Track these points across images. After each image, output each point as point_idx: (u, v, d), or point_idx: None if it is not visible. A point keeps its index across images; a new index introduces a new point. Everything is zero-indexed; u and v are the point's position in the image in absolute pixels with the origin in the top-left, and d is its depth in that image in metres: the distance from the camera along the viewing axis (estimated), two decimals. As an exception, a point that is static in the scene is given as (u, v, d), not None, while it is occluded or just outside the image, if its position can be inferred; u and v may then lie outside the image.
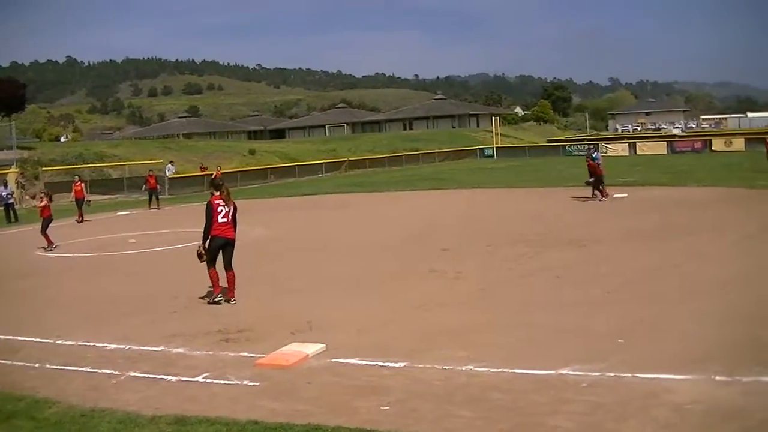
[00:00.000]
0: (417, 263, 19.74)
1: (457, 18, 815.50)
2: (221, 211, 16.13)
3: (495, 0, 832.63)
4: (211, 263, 16.12)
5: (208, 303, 15.96)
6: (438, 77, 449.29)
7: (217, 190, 16.41)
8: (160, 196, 45.41)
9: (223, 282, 16.19)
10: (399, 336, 12.31)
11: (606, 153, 67.18)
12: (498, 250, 21.18)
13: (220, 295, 15.98)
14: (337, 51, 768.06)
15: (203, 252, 16.22)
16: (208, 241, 16.19)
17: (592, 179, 33.28)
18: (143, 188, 46.40)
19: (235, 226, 16.50)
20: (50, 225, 28.78)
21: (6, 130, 68.71)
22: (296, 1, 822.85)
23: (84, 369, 11.52)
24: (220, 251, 16.18)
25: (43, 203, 29.27)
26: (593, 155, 34.51)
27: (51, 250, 27.57)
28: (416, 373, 10.30)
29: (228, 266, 16.24)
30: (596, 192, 32.85)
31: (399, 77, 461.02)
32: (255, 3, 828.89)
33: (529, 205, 32.18)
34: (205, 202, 16.60)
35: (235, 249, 16.23)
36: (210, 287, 16.35)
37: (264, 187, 59.76)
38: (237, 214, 16.64)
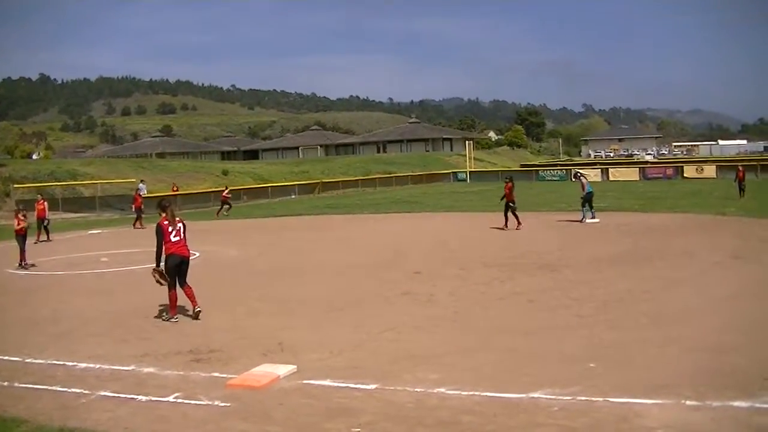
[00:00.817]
0: (390, 286, 19.73)
1: (432, 43, 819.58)
2: (171, 230, 16.20)
3: (470, 26, 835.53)
4: (173, 284, 16.18)
5: (163, 320, 16.10)
6: (412, 101, 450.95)
7: (163, 212, 16.46)
8: (143, 216, 45.04)
9: (182, 301, 16.27)
10: (371, 358, 12.30)
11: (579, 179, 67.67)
12: (470, 274, 21.21)
13: (175, 318, 16.10)
14: (312, 73, 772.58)
15: (159, 273, 16.27)
16: (163, 262, 16.31)
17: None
18: (132, 208, 46.09)
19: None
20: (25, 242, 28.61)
21: (-23, 146, 68.40)
22: (271, 24, 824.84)
23: (53, 388, 11.43)
24: (177, 271, 16.26)
25: (19, 223, 29.04)
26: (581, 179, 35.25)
27: (26, 267, 27.49)
28: (387, 396, 10.28)
29: (183, 283, 16.38)
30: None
31: (373, 100, 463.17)
32: (229, 24, 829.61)
33: (501, 230, 32.24)
34: (155, 224, 16.63)
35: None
36: (165, 305, 16.41)
37: (237, 208, 59.65)
38: (187, 233, 16.75)
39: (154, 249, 16.36)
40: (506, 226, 32.27)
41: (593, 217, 33.87)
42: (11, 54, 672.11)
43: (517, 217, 32.24)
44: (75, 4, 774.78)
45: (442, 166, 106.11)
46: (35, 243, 37.68)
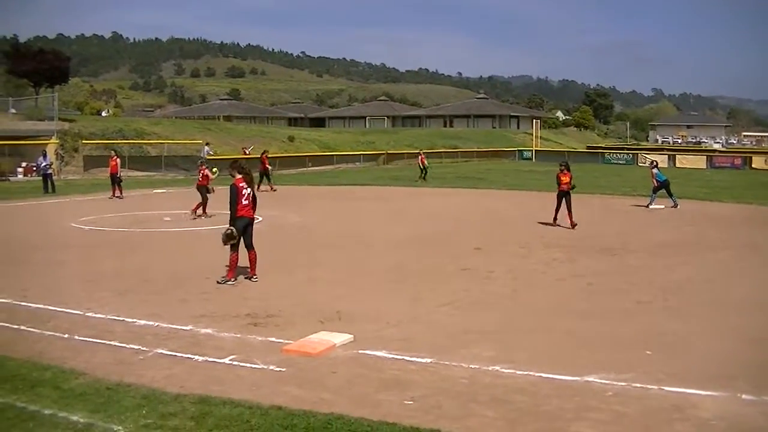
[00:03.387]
0: (449, 260, 19.71)
1: (503, 19, 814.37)
2: (245, 193, 16.32)
3: (542, 4, 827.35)
4: (235, 246, 16.27)
5: (218, 283, 16.22)
6: (481, 77, 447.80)
7: (240, 173, 16.58)
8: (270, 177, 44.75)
9: (243, 261, 16.49)
10: (427, 332, 12.30)
11: (644, 164, 66.97)
12: (531, 253, 21.12)
13: (232, 280, 16.27)
14: (382, 44, 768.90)
15: (233, 233, 16.37)
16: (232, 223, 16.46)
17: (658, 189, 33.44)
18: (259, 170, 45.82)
19: (255, 206, 16.95)
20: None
21: (48, 101, 69.22)
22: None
23: (112, 343, 11.61)
24: (243, 232, 16.48)
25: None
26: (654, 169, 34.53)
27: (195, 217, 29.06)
28: (442, 370, 10.29)
29: (250, 246, 16.66)
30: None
31: (442, 74, 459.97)
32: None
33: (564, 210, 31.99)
34: (229, 185, 16.76)
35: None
36: (225, 268, 16.57)
37: (301, 175, 59.83)
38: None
39: (224, 210, 16.52)
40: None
41: (675, 204, 33.34)
42: (85, 11, 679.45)
43: (562, 212, 27.42)
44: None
45: (508, 143, 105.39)
46: (109, 198, 38.15)
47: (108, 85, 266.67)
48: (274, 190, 42.09)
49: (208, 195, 29.59)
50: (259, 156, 45.26)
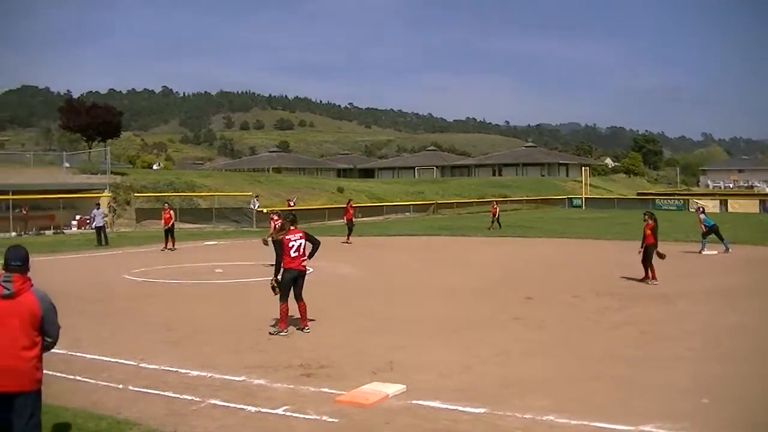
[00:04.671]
0: (501, 310, 19.63)
1: (550, 66, 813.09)
2: (293, 245, 16.43)
3: (588, 50, 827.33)
4: (284, 297, 16.39)
5: (270, 335, 16.24)
6: (529, 124, 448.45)
7: (292, 225, 16.71)
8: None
9: (294, 312, 16.56)
10: (480, 381, 12.24)
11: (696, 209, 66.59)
12: (583, 302, 20.98)
13: (285, 331, 16.30)
14: (429, 94, 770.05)
15: (276, 285, 16.49)
16: (280, 273, 16.59)
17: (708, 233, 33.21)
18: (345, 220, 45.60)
19: (313, 247, 17.06)
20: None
21: (101, 155, 70.23)
22: (389, 43, 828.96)
23: (165, 393, 11.68)
24: (293, 284, 16.54)
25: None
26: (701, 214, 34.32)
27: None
28: (495, 420, 10.22)
29: (299, 297, 16.70)
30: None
31: (490, 123, 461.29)
32: (348, 43, 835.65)
33: (616, 258, 31.73)
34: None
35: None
36: (276, 319, 16.59)
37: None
38: (310, 242, 17.02)
39: (273, 262, 16.64)
40: (651, 278, 24.84)
41: (726, 249, 33.08)
42: (135, 66, 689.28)
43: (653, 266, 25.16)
44: (197, 20, 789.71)
45: (557, 191, 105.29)
46: (161, 250, 38.49)
47: (159, 139, 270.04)
48: (349, 243, 42.31)
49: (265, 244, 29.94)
50: (345, 207, 45.55)
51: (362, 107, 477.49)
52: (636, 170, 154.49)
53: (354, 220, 45.06)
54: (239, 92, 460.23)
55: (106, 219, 47.58)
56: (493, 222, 54.51)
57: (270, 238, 30.16)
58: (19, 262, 8.05)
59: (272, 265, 29.25)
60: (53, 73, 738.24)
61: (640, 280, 24.58)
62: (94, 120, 77.36)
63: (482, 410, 10.56)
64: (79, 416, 10.38)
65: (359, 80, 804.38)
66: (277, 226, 29.85)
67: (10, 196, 54.70)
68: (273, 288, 16.74)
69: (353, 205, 46.60)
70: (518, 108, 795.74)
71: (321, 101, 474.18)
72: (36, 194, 57.66)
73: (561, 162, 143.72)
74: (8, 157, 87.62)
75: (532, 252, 37.18)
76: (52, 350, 8.47)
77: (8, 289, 7.87)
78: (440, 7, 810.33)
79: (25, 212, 57.13)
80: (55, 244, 45.30)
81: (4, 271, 8.02)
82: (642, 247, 25.02)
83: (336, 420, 10.21)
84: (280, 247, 16.55)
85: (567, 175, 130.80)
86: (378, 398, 11.10)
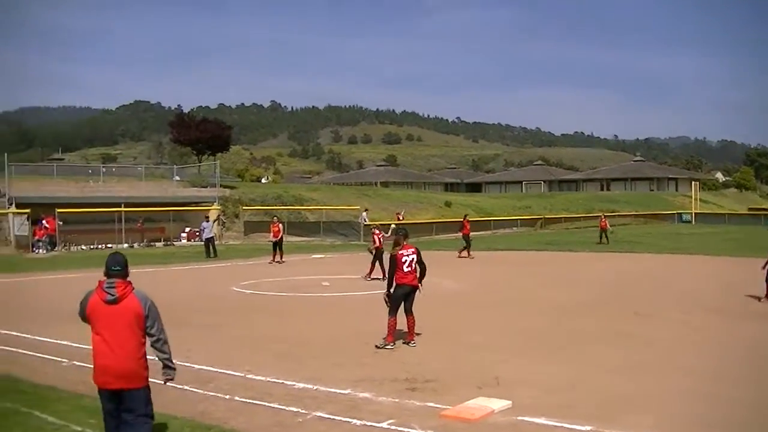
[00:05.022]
0: (608, 325, 19.39)
1: (658, 79, 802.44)
2: (405, 260, 16.44)
3: (696, 63, 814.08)
4: (393, 311, 16.40)
5: (377, 348, 16.23)
6: (637, 138, 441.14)
7: (405, 239, 16.72)
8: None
9: (402, 326, 16.55)
10: (586, 398, 12.08)
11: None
12: (692, 318, 20.63)
13: (391, 344, 16.27)
14: (536, 108, 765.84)
15: (388, 299, 16.54)
16: (392, 288, 16.56)
17: None
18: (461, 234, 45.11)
19: (421, 271, 17.00)
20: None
21: (210, 168, 71.33)
22: (496, 58, 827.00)
23: (271, 405, 11.77)
24: (404, 299, 16.56)
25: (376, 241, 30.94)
26: None
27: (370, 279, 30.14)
28: (602, 438, 10.06)
29: (409, 311, 16.71)
30: None
31: (598, 137, 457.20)
32: (455, 57, 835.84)
33: (727, 274, 31.18)
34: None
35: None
36: (384, 332, 16.57)
37: (459, 240, 59.87)
38: (422, 258, 17.00)
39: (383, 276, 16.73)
40: None
41: None
42: (245, 81, 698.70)
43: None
44: (305, 36, 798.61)
45: (666, 206, 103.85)
46: (269, 263, 38.88)
47: (267, 153, 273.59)
48: (471, 257, 42.18)
49: (372, 254, 30.20)
50: (462, 221, 45.44)
51: (469, 121, 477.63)
52: (747, 185, 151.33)
53: (470, 235, 44.72)
54: (347, 106, 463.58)
55: (214, 231, 48.16)
56: (601, 236, 54.02)
57: (374, 249, 30.44)
58: (118, 267, 8.53)
59: (374, 278, 29.59)
60: (165, 88, 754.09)
61: (762, 299, 23.74)
62: (203, 134, 78.61)
63: (589, 427, 10.41)
64: (187, 425, 10.56)
65: (467, 94, 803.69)
66: (379, 240, 30.07)
67: (122, 209, 55.84)
68: (386, 301, 16.78)
69: (469, 220, 46.40)
70: (626, 121, 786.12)
71: (428, 115, 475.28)
72: (147, 207, 58.80)
73: (670, 176, 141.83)
74: (120, 170, 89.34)
75: (641, 267, 36.70)
76: (160, 359, 8.74)
77: (112, 295, 8.34)
78: (548, 21, 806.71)
79: (141, 225, 58.35)
80: (165, 255, 46.11)
81: (106, 278, 8.46)
82: (767, 263, 23.84)
83: (441, 435, 10.15)
84: (394, 263, 16.57)
85: (676, 190, 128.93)
86: (483, 413, 11.03)
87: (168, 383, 9.15)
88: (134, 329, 8.46)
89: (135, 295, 8.50)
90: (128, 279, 8.62)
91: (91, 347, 8.62)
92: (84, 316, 8.55)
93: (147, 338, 8.63)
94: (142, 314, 8.49)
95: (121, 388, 8.43)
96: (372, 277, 30.11)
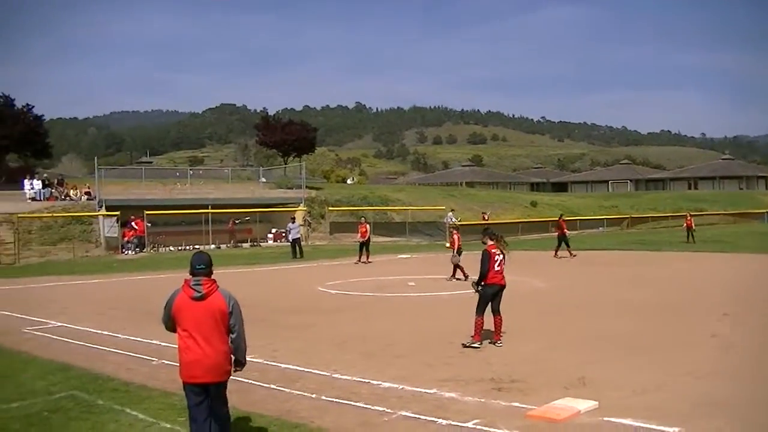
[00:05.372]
0: (695, 326, 19.11)
1: (746, 77, 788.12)
2: (497, 259, 16.40)
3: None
4: (481, 310, 16.37)
5: (463, 346, 16.20)
6: (725, 137, 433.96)
7: (492, 239, 16.67)
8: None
9: (489, 326, 16.48)
10: (673, 400, 11.90)
11: None
12: (784, 320, 20.24)
13: (478, 343, 16.21)
14: (623, 107, 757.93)
15: (476, 287, 16.59)
16: (481, 287, 16.54)
17: None
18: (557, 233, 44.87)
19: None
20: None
21: (296, 170, 71.82)
22: (579, 57, 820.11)
23: (357, 404, 11.83)
24: (492, 298, 16.53)
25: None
26: None
27: (454, 280, 30.01)
28: (689, 440, 9.94)
29: (497, 311, 16.67)
30: None
31: (685, 135, 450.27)
32: (540, 58, 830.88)
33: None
34: (481, 251, 16.84)
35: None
36: (470, 332, 16.54)
37: (544, 240, 59.57)
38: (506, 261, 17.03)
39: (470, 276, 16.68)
40: None
41: None
42: (330, 83, 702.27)
43: None
44: (388, 38, 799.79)
45: (757, 205, 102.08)
46: (355, 263, 39.09)
47: (352, 154, 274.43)
48: (574, 256, 42.08)
49: (458, 257, 30.17)
50: (558, 221, 45.14)
51: (555, 121, 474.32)
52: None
53: (567, 234, 44.31)
54: (432, 107, 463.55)
55: (300, 232, 48.50)
56: (689, 236, 53.35)
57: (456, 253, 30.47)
58: (203, 265, 8.92)
59: (458, 278, 29.61)
60: (250, 91, 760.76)
61: None
62: (289, 136, 79.23)
63: (675, 429, 10.26)
64: (274, 423, 10.68)
65: (552, 94, 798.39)
66: (457, 239, 30.15)
67: (210, 211, 56.50)
68: (473, 286, 16.87)
69: (565, 219, 46.07)
70: (714, 120, 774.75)
71: (513, 115, 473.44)
72: (234, 208, 59.43)
73: (759, 175, 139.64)
74: (207, 172, 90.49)
75: (729, 267, 36.13)
76: (248, 359, 8.93)
77: (199, 292, 8.72)
78: (635, 21, 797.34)
79: (233, 225, 59.09)
80: (252, 256, 46.65)
81: (192, 277, 8.81)
82: None
83: (526, 435, 10.11)
84: (487, 259, 16.52)
85: (766, 189, 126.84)
86: (569, 414, 10.97)
87: (236, 374, 9.39)
88: (219, 325, 8.81)
89: (220, 293, 8.89)
90: (213, 277, 8.94)
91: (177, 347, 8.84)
92: (169, 314, 8.87)
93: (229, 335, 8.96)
94: (227, 311, 8.84)
95: (209, 381, 8.81)
96: (456, 277, 30.11)
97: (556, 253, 42.41)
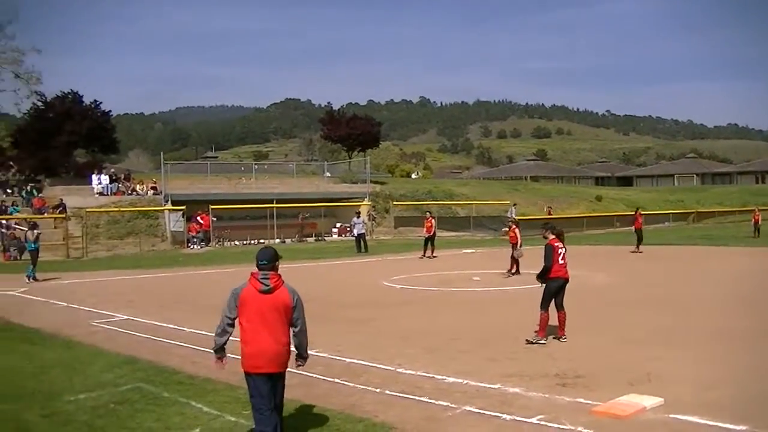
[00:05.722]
0: (762, 321, 18.84)
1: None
2: (561, 252, 16.38)
3: None
4: (546, 305, 16.32)
5: (528, 343, 16.12)
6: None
7: (553, 234, 16.62)
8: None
9: (553, 321, 16.43)
10: (739, 398, 11.74)
11: None
12: None
13: (543, 339, 16.14)
14: (688, 100, 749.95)
15: (540, 278, 16.62)
16: (545, 281, 16.53)
17: None
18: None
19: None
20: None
21: (361, 164, 72.00)
22: (645, 49, 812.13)
23: (421, 399, 11.84)
24: (556, 293, 16.48)
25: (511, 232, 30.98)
26: None
27: (509, 276, 29.97)
28: (758, 438, 9.82)
29: (560, 306, 16.60)
30: None
31: (752, 128, 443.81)
32: (605, 50, 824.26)
33: None
34: (543, 245, 16.83)
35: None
36: (534, 327, 16.52)
37: (609, 234, 59.16)
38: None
39: (534, 271, 16.62)
40: None
41: None
42: (394, 78, 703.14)
43: None
44: (453, 32, 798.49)
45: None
46: (419, 258, 39.14)
47: (417, 148, 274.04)
48: (640, 252, 41.82)
49: (520, 251, 30.07)
50: (634, 215, 44.90)
51: (620, 114, 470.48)
52: None
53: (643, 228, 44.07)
54: (496, 101, 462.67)
55: (365, 226, 48.61)
56: (756, 230, 52.73)
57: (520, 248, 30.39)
58: (268, 260, 9.26)
59: (512, 273, 29.55)
60: (314, 86, 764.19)
61: None
62: (353, 130, 79.40)
63: (742, 427, 10.14)
64: (338, 417, 10.72)
65: (617, 87, 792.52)
66: (516, 233, 30.06)
67: (274, 205, 56.80)
68: (537, 278, 16.84)
69: (642, 213, 45.73)
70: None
71: (578, 109, 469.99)
72: (298, 203, 59.73)
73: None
74: (272, 167, 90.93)
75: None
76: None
77: (267, 285, 9.08)
78: (699, 11, 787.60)
79: (302, 219, 59.49)
80: (316, 250, 46.88)
81: (259, 271, 9.12)
82: None
83: (591, 431, 10.06)
84: (551, 253, 16.48)
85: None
86: (635, 410, 10.87)
87: (299, 368, 9.81)
88: (283, 318, 9.13)
89: (286, 288, 9.23)
90: (278, 272, 9.23)
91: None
92: (235, 303, 9.14)
93: (291, 328, 9.28)
94: (291, 305, 9.16)
95: (272, 371, 9.11)
96: (511, 272, 30.04)
97: (638, 247, 42.07)
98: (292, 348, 9.29)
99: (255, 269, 9.17)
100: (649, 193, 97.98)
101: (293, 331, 9.29)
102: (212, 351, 9.63)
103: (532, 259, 21.63)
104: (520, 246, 30.27)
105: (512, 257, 30.30)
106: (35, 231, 33.52)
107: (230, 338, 9.22)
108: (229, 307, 9.19)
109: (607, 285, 27.26)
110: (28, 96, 69.56)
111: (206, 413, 10.98)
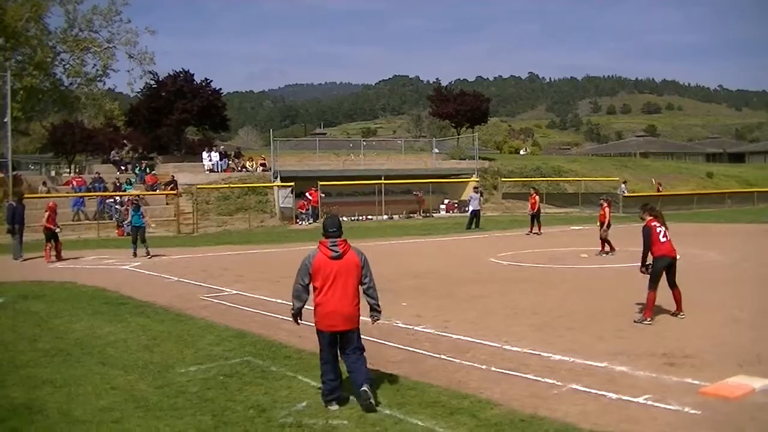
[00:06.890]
0: None
1: None
2: (660, 230, 16.18)
3: None
4: (654, 285, 16.15)
5: (635, 322, 15.99)
6: None
7: (651, 215, 16.49)
8: None
9: (659, 302, 16.30)
10: None
11: None
12: None
13: (649, 320, 15.96)
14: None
15: (645, 270, 16.42)
16: (650, 262, 16.42)
17: None
18: None
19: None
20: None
21: (469, 141, 71.90)
22: (760, 20, 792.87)
23: (527, 376, 11.86)
24: (664, 271, 16.24)
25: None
26: None
27: (604, 255, 29.69)
28: None
29: (673, 284, 16.47)
30: None
31: None
32: (717, 23, 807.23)
33: None
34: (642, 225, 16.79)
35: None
36: (642, 306, 16.45)
37: (720, 212, 58.19)
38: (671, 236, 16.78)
39: (641, 250, 16.48)
40: None
41: None
42: (503, 54, 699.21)
43: None
44: (562, 6, 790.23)
45: None
46: (526, 234, 39.07)
47: (525, 124, 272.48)
48: None
49: (606, 231, 29.68)
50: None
51: (732, 89, 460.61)
52: None
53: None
54: (605, 77, 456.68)
55: (480, 202, 48.51)
56: None
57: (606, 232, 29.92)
58: (335, 228, 10.49)
59: (605, 253, 29.23)
60: (423, 63, 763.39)
61: None
62: (462, 107, 79.06)
63: None
64: (443, 394, 10.81)
65: (729, 61, 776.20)
66: (606, 212, 29.60)
67: (383, 181, 57.04)
68: (642, 272, 16.66)
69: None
70: None
71: (689, 84, 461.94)
72: (406, 179, 59.88)
73: None
74: (381, 143, 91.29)
75: None
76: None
77: (336, 251, 10.32)
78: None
79: (419, 194, 59.78)
80: (425, 227, 47.07)
81: (327, 239, 10.43)
82: None
83: (698, 412, 9.96)
84: (648, 235, 16.34)
85: None
86: (744, 392, 10.73)
87: (376, 323, 11.09)
88: (353, 279, 10.33)
89: (353, 251, 10.48)
90: (344, 237, 10.51)
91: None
92: (308, 271, 10.35)
93: (360, 286, 10.49)
94: (360, 265, 10.41)
95: (345, 329, 10.31)
96: (605, 251, 29.68)
97: None
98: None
99: (322, 235, 10.47)
100: (762, 170, 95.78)
101: (363, 287, 10.49)
102: (291, 312, 10.70)
103: (633, 236, 21.41)
104: (608, 227, 29.84)
105: (601, 237, 29.92)
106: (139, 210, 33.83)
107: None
108: (301, 274, 10.25)
109: (718, 263, 26.82)
110: (141, 76, 71.21)
111: (313, 387, 11.13)
